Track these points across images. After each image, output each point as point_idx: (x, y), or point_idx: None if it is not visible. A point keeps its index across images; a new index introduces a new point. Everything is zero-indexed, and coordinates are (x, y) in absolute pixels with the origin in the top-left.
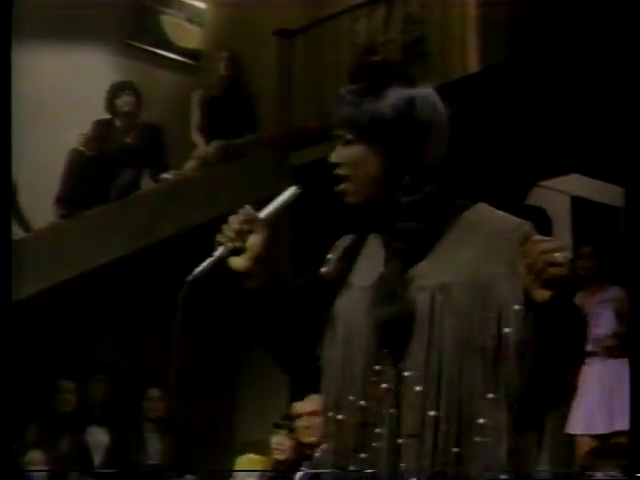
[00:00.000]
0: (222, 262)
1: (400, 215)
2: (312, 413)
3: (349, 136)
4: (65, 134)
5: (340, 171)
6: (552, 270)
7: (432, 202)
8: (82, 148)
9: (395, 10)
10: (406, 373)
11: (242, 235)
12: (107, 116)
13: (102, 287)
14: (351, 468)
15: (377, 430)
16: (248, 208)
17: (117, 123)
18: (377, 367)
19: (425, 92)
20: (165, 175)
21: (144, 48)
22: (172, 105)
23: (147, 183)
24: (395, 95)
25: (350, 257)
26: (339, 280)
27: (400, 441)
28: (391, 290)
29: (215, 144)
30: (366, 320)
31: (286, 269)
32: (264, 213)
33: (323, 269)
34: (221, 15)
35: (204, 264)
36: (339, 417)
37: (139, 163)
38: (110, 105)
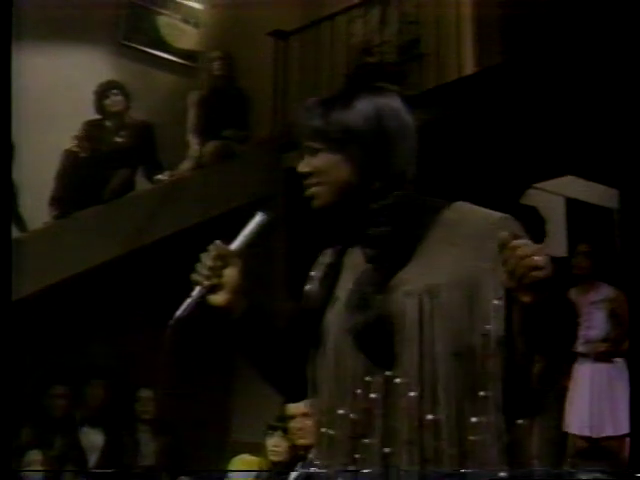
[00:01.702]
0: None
1: (371, 221)
2: (305, 414)
3: (318, 146)
4: (61, 134)
5: (310, 181)
6: (534, 274)
7: (403, 206)
8: (76, 149)
9: (390, 11)
10: (397, 380)
11: (216, 271)
12: (97, 117)
13: (96, 288)
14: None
15: (367, 441)
16: (219, 243)
17: (107, 123)
18: (368, 378)
19: (390, 101)
20: (160, 176)
21: (140, 49)
22: (168, 106)
23: (142, 184)
24: (363, 105)
25: (333, 274)
26: (324, 303)
27: (388, 450)
28: (363, 297)
29: (211, 145)
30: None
31: (282, 269)
32: (235, 245)
33: (307, 287)
34: (217, 16)
35: (184, 306)
36: (331, 432)
37: (133, 162)
38: (99, 106)
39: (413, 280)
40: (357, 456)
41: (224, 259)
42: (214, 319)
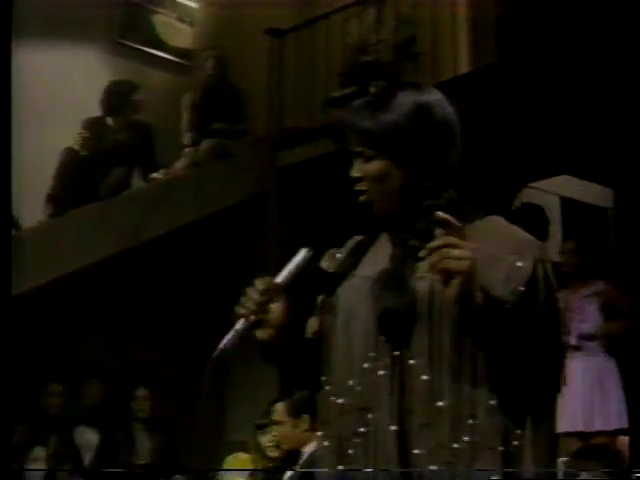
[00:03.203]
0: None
1: (420, 216)
2: (277, 423)
3: (369, 152)
4: (56, 132)
5: (363, 186)
6: (446, 263)
7: (451, 207)
8: (77, 147)
9: (386, 10)
10: (412, 362)
11: (263, 306)
12: (99, 114)
13: (92, 286)
14: (350, 451)
15: (373, 415)
16: (267, 278)
17: (109, 121)
18: (372, 354)
19: (435, 96)
20: (155, 174)
21: (136, 47)
22: (163, 104)
23: (137, 182)
24: (407, 103)
25: (358, 255)
26: (344, 273)
27: (393, 428)
28: (400, 280)
29: (206, 143)
30: (366, 308)
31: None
32: (280, 278)
33: (325, 264)
34: (213, 14)
35: (227, 338)
36: (339, 401)
37: (130, 161)
38: (118, 105)
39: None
40: (362, 429)
41: (270, 293)
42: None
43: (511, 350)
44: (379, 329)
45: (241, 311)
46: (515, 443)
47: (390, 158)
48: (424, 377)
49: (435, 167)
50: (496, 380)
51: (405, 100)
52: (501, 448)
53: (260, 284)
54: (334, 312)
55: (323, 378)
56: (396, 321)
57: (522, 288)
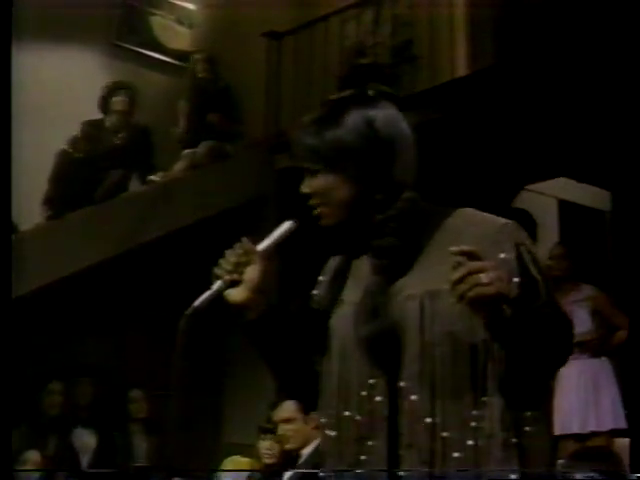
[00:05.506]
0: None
1: (376, 232)
2: (287, 420)
3: (315, 167)
4: (53, 134)
5: (313, 201)
6: (477, 290)
7: (407, 215)
8: (70, 149)
9: (384, 12)
10: (402, 384)
11: (239, 267)
12: (97, 116)
13: (89, 289)
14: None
15: (372, 443)
16: (245, 241)
17: (107, 123)
18: (371, 381)
19: (383, 112)
20: (153, 177)
21: (134, 49)
22: (161, 106)
23: (135, 185)
24: (354, 119)
25: (341, 278)
26: (331, 304)
27: (400, 452)
28: (374, 306)
29: (204, 145)
30: (357, 335)
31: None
32: (261, 246)
33: (315, 292)
34: (211, 17)
35: (202, 297)
36: (333, 434)
37: (127, 165)
38: (105, 103)
39: (415, 285)
40: (362, 457)
41: (248, 256)
42: (229, 316)
43: (526, 340)
44: (369, 356)
45: (217, 271)
46: (528, 429)
47: (334, 172)
48: (413, 397)
49: (382, 181)
50: (506, 375)
51: (352, 115)
52: (514, 440)
53: (239, 246)
54: (329, 341)
55: (322, 411)
56: (380, 348)
57: (516, 279)
